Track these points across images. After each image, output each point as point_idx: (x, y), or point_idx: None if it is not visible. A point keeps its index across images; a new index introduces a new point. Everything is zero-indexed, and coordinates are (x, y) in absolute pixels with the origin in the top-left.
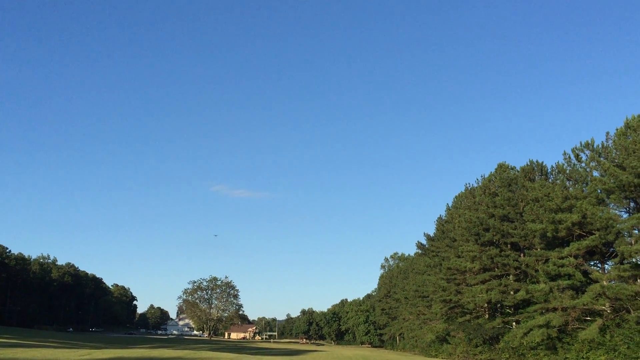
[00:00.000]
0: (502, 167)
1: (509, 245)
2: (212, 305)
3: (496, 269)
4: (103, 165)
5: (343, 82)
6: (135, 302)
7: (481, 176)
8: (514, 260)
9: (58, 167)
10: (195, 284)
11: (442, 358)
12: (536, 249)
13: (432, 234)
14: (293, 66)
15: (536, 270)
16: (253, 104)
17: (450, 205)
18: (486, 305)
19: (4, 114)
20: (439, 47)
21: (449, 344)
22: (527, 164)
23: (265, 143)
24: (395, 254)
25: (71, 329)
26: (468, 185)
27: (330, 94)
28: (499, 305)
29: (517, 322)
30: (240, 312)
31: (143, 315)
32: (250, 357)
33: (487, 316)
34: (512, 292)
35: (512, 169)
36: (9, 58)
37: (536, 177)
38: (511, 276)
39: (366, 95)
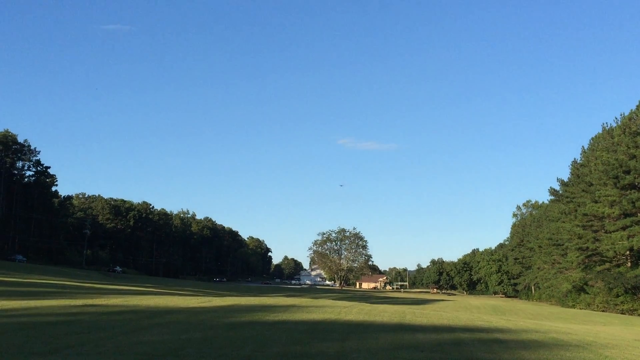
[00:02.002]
0: None
1: None
2: (342, 256)
3: (638, 214)
4: (233, 123)
5: (472, 33)
6: (270, 254)
7: (621, 115)
8: None
9: (195, 128)
10: (324, 236)
11: (580, 308)
12: None
13: (566, 179)
14: (420, 15)
15: None
16: (379, 57)
17: (586, 147)
18: (628, 252)
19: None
20: None
21: (587, 293)
22: None
23: (391, 94)
24: (529, 201)
25: (218, 279)
26: (606, 125)
27: (456, 44)
28: None
29: None
30: (370, 263)
31: (278, 266)
32: (368, 305)
33: (629, 264)
34: None
35: None
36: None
37: None
38: None
39: (492, 43)
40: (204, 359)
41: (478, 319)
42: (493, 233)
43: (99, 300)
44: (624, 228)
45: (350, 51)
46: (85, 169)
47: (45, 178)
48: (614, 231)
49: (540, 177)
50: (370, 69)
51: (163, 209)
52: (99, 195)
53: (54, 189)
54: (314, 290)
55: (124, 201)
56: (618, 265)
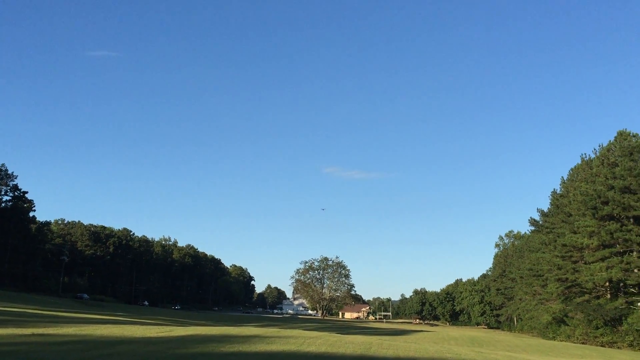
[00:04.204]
0: (622, 135)
1: (631, 220)
2: (324, 285)
3: (617, 245)
4: (218, 151)
5: (454, 64)
6: (253, 282)
7: (599, 145)
8: (637, 236)
9: (179, 155)
10: (307, 264)
11: (560, 340)
12: None
13: (546, 210)
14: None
15: None
16: (366, 87)
17: (565, 178)
18: (607, 284)
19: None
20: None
21: (567, 325)
22: None
23: (378, 124)
24: (511, 232)
25: (178, 307)
26: (584, 155)
27: (439, 75)
28: (621, 284)
29: None
30: (353, 292)
31: (261, 294)
32: (335, 335)
33: (608, 296)
34: (635, 270)
35: (634, 136)
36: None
37: None
38: (634, 253)
39: (474, 74)
40: None
41: (447, 350)
42: (476, 263)
43: (51, 329)
44: (602, 259)
45: (337, 81)
46: (65, 195)
47: (22, 203)
48: (592, 262)
49: (524, 207)
50: (357, 98)
51: (144, 235)
52: (78, 221)
53: (31, 214)
54: (294, 320)
55: (104, 227)
56: (597, 297)
